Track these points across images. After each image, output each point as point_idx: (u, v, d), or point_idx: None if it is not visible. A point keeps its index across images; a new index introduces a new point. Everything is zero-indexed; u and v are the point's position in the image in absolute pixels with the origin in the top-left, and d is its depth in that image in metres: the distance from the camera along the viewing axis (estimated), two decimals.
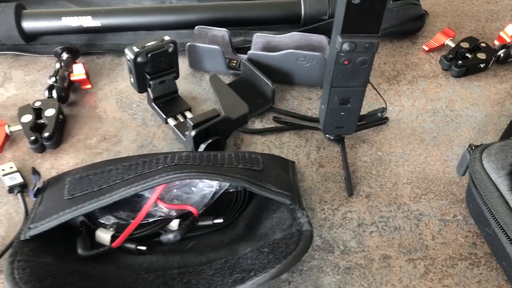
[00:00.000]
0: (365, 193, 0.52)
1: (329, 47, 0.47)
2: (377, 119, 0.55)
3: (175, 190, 0.48)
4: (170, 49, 0.55)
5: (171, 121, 0.57)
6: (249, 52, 0.61)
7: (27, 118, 0.55)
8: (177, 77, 0.58)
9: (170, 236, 0.45)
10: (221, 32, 0.63)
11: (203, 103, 0.61)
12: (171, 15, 0.68)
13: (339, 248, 0.47)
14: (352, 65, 0.45)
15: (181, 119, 0.57)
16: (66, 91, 0.59)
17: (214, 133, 0.53)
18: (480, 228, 0.48)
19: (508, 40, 0.69)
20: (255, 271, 0.39)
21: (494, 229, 0.43)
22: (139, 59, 0.53)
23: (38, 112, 0.56)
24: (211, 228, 0.47)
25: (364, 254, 0.46)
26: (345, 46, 0.43)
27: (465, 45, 0.66)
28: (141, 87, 0.56)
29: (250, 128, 0.58)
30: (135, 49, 0.53)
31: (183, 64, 0.64)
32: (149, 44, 0.54)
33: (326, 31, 0.64)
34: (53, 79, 0.60)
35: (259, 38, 0.63)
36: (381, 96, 0.53)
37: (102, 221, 0.46)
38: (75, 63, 0.63)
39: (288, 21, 0.70)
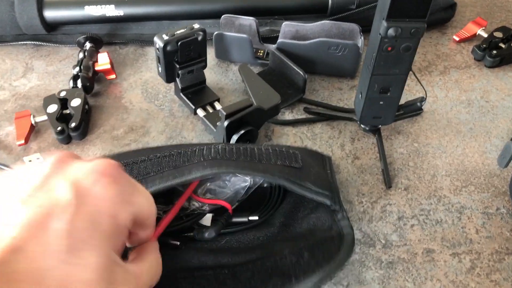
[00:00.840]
0: (403, 186, 0.50)
1: (372, 32, 0.45)
2: (416, 109, 0.53)
3: (208, 184, 0.46)
4: (200, 37, 0.54)
5: (200, 112, 0.55)
6: (279, 40, 0.60)
7: (53, 108, 0.53)
8: (205, 66, 0.57)
9: (206, 234, 0.43)
10: (248, 21, 0.62)
11: (231, 93, 0.60)
12: (195, 4, 0.67)
13: (381, 242, 0.45)
14: (395, 51, 0.44)
15: (210, 110, 0.56)
16: (91, 81, 0.57)
17: (246, 124, 0.51)
18: None
19: None
20: (295, 276, 0.37)
21: None
22: (168, 48, 0.52)
23: (63, 102, 0.54)
24: (245, 225, 0.45)
25: (407, 248, 0.45)
26: (391, 32, 0.41)
27: (498, 35, 0.64)
28: (169, 77, 0.55)
29: (280, 119, 0.56)
30: (165, 37, 0.52)
31: (208, 54, 0.63)
32: (178, 32, 0.52)
33: (355, 21, 0.63)
34: (77, 68, 0.58)
35: (287, 27, 0.61)
36: (421, 84, 0.51)
37: None
38: (99, 52, 0.62)
39: (314, 11, 0.69)
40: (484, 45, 0.63)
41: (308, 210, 0.44)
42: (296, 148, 0.47)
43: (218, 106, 0.56)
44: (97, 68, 0.59)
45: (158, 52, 0.53)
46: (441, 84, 0.62)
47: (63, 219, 0.23)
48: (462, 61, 0.65)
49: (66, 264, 0.22)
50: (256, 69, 0.63)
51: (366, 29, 0.61)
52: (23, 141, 0.51)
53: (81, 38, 0.62)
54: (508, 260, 0.44)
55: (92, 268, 0.23)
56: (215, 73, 0.62)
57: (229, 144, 0.43)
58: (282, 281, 0.37)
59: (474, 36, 0.67)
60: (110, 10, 0.65)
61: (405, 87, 0.58)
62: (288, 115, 0.57)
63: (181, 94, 0.56)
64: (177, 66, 0.54)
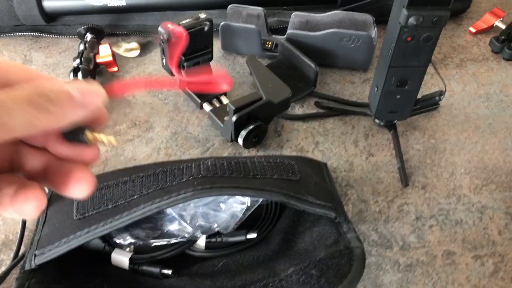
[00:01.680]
0: (421, 184, 0.47)
1: (390, 20, 0.42)
2: (433, 103, 0.50)
3: (200, 208, 0.40)
4: (206, 28, 0.51)
5: (207, 106, 0.53)
6: (289, 31, 0.57)
7: None
8: (211, 58, 0.54)
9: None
10: (257, 11, 0.59)
11: (238, 87, 0.57)
12: None
13: (398, 244, 0.43)
14: (415, 41, 0.41)
15: (217, 104, 0.53)
16: (92, 74, 0.55)
17: (255, 118, 0.48)
18: None
19: None
20: None
21: None
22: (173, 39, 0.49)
23: None
24: (243, 244, 0.41)
25: (426, 250, 0.42)
26: (412, 20, 0.39)
27: None
28: None
29: (291, 113, 0.54)
30: (170, 27, 0.49)
31: (214, 45, 0.60)
32: (184, 22, 0.50)
33: (367, 12, 0.60)
34: (78, 61, 0.56)
35: (297, 17, 0.58)
36: (440, 76, 0.49)
37: (118, 241, 0.39)
38: (100, 44, 0.59)
39: (324, 1, 0.66)
40: (503, 37, 0.61)
41: (309, 223, 0.41)
42: (291, 158, 0.44)
43: (225, 100, 0.54)
44: (98, 60, 0.57)
45: (162, 43, 0.50)
46: (457, 77, 0.59)
47: None
48: (479, 53, 0.62)
49: None
50: (264, 62, 0.60)
51: (379, 20, 0.59)
52: None
53: (81, 29, 0.60)
54: None
55: None
56: (222, 66, 0.60)
57: (219, 159, 0.39)
58: None
59: (492, 27, 0.65)
60: (112, 0, 0.62)
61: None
62: (298, 110, 0.55)
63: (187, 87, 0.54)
64: (182, 57, 0.51)
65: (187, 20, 0.50)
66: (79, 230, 0.35)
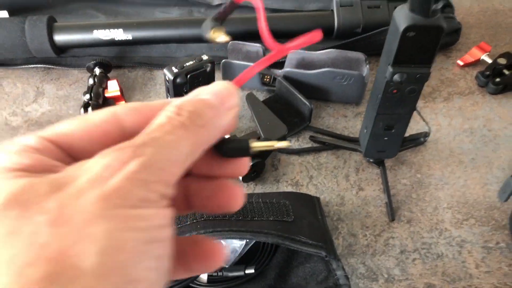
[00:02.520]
0: (406, 218, 0.51)
1: (378, 73, 0.46)
2: (418, 144, 0.54)
3: None
4: (208, 69, 0.55)
5: None
6: (285, 69, 0.61)
7: None
8: None
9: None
10: (255, 47, 0.63)
11: (238, 120, 0.61)
12: None
13: (383, 276, 0.47)
14: (400, 94, 0.45)
15: None
16: (101, 109, 0.59)
17: (254, 155, 0.52)
18: None
19: None
20: None
21: None
22: (178, 80, 0.53)
23: None
24: (241, 279, 0.45)
25: (408, 283, 0.46)
26: (396, 77, 0.43)
27: (502, 61, 0.65)
28: None
29: (287, 148, 0.58)
30: (174, 69, 0.53)
31: (215, 80, 0.64)
32: (187, 64, 0.54)
33: (361, 46, 0.64)
34: (88, 96, 0.59)
35: (294, 54, 0.62)
36: (425, 121, 0.52)
37: None
38: (108, 78, 0.63)
39: None
40: (488, 72, 0.64)
41: (302, 259, 0.45)
42: (286, 197, 0.47)
43: (226, 136, 0.57)
44: (107, 94, 0.60)
45: (167, 83, 0.54)
46: (444, 111, 0.63)
47: None
48: (465, 87, 0.66)
49: None
50: (263, 94, 0.64)
51: (372, 54, 0.63)
52: None
53: (90, 64, 0.63)
54: None
55: None
56: None
57: None
58: None
59: (478, 61, 0.68)
60: (119, 34, 0.66)
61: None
62: (294, 144, 0.58)
63: None
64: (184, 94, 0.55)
65: (190, 62, 0.54)
66: None
